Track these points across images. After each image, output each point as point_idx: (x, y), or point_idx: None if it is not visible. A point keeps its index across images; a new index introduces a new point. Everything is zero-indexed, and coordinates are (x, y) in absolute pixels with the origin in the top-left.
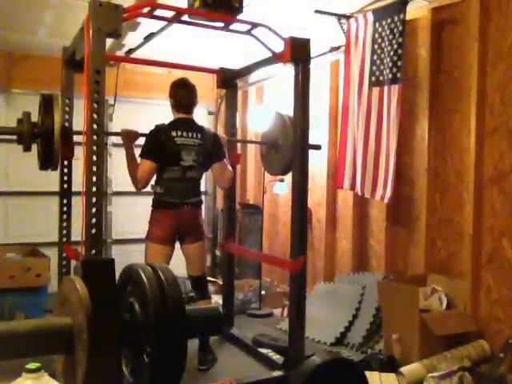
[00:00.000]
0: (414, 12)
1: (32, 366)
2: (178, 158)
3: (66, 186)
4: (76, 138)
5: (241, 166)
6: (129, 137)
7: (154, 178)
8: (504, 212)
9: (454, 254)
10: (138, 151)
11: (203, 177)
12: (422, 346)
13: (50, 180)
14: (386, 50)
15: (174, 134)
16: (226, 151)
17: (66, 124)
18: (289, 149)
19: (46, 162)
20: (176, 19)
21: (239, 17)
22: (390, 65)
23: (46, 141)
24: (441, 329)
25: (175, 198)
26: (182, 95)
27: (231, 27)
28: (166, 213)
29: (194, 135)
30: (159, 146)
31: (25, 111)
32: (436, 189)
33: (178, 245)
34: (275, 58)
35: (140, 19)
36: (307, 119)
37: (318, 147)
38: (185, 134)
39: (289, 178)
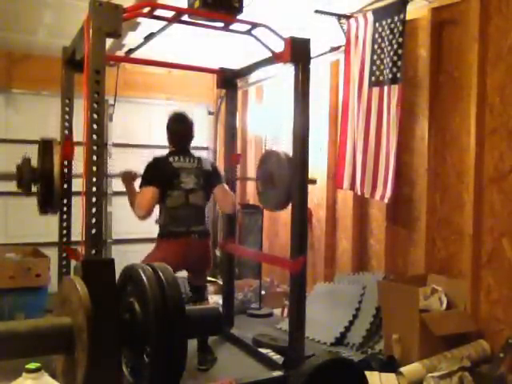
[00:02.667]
0: (414, 12)
1: (32, 365)
2: (177, 180)
3: (65, 186)
4: (76, 138)
5: (241, 166)
6: (128, 178)
7: (157, 210)
8: (504, 212)
9: (454, 254)
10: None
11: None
12: (422, 346)
13: None
14: (385, 49)
15: (171, 159)
16: (223, 179)
17: (66, 124)
18: (285, 185)
19: (45, 206)
20: (176, 19)
21: (239, 17)
22: (390, 65)
23: (46, 185)
24: (441, 329)
25: (180, 227)
26: (180, 132)
27: (231, 27)
28: (172, 243)
29: (191, 160)
30: (158, 172)
31: (25, 157)
32: (436, 189)
33: None
34: (275, 58)
35: (140, 19)
36: (307, 119)
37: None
38: (182, 159)
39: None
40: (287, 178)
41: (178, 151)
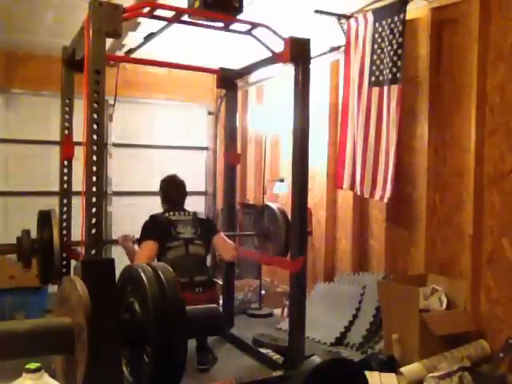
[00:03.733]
0: (414, 12)
1: (32, 366)
2: (175, 231)
3: (65, 185)
4: (76, 138)
5: (241, 166)
6: (125, 240)
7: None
8: (504, 212)
9: (454, 254)
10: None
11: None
12: (422, 346)
13: (50, 180)
14: (385, 50)
15: (166, 214)
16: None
17: (66, 124)
18: (280, 237)
19: (46, 276)
20: (176, 19)
21: (239, 17)
22: (390, 65)
23: (46, 256)
24: (441, 329)
25: (183, 277)
26: (172, 195)
27: (231, 27)
28: None
29: (187, 213)
30: (156, 226)
31: (23, 230)
32: (436, 189)
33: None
34: (275, 58)
35: (140, 19)
36: (307, 119)
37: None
38: (177, 214)
39: (289, 177)
40: (283, 234)
41: (173, 209)
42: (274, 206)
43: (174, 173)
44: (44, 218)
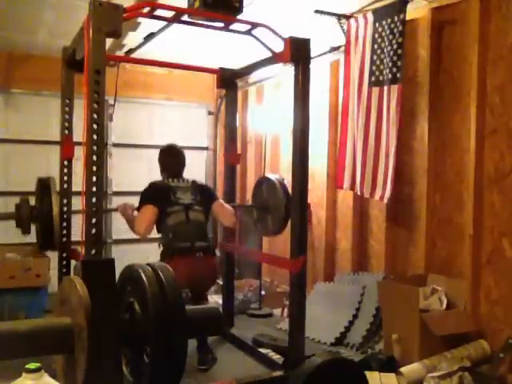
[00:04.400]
0: (414, 12)
1: (32, 365)
2: (175, 196)
3: (65, 185)
4: (76, 138)
5: (241, 166)
6: (125, 209)
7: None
8: (504, 212)
9: (454, 254)
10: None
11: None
12: (422, 346)
13: None
14: (385, 50)
15: (166, 181)
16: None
17: (66, 124)
18: (280, 210)
19: (45, 244)
20: (176, 19)
21: (239, 17)
22: (390, 65)
23: (45, 223)
24: (441, 329)
25: (184, 242)
26: (171, 164)
27: (231, 27)
28: (178, 262)
29: (185, 181)
30: (155, 191)
31: (22, 197)
32: (436, 189)
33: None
34: (275, 58)
35: (140, 19)
36: (307, 119)
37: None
38: (176, 181)
39: (289, 177)
40: (282, 206)
41: (171, 177)
42: (273, 177)
43: (173, 143)
44: (43, 185)
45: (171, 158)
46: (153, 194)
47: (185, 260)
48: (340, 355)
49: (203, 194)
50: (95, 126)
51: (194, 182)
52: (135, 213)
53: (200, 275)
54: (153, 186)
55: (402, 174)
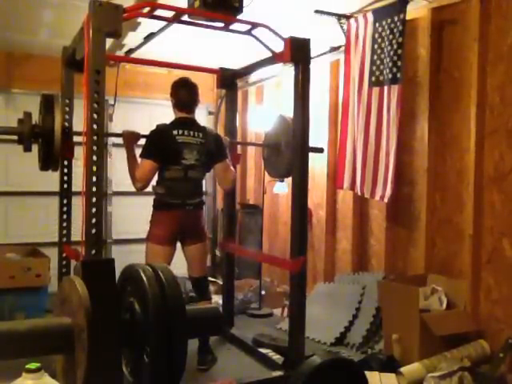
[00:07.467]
0: (414, 12)
1: (32, 365)
2: (179, 156)
3: (65, 185)
4: (76, 138)
5: (241, 166)
6: (130, 138)
7: (156, 178)
8: (504, 212)
9: (454, 254)
10: (138, 151)
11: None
12: (422, 346)
13: (50, 180)
14: (385, 49)
15: (175, 132)
16: (228, 152)
17: (66, 124)
18: (291, 151)
19: (46, 163)
20: (176, 19)
21: (239, 17)
22: (390, 65)
23: (47, 141)
24: (441, 329)
25: (177, 199)
26: (184, 95)
27: (231, 27)
28: (168, 214)
29: (196, 134)
30: (160, 145)
31: (25, 111)
32: (436, 189)
33: (179, 244)
34: (275, 58)
35: (140, 19)
36: (307, 119)
37: (320, 150)
38: (186, 133)
39: (289, 177)
40: (294, 145)
41: (183, 120)
42: (288, 116)
43: (186, 77)
44: (47, 102)
45: (184, 89)
46: (157, 148)
47: (172, 212)
48: (340, 355)
49: (211, 155)
50: (95, 127)
51: (204, 135)
52: (138, 160)
53: (186, 223)
54: (160, 135)
55: (402, 174)
